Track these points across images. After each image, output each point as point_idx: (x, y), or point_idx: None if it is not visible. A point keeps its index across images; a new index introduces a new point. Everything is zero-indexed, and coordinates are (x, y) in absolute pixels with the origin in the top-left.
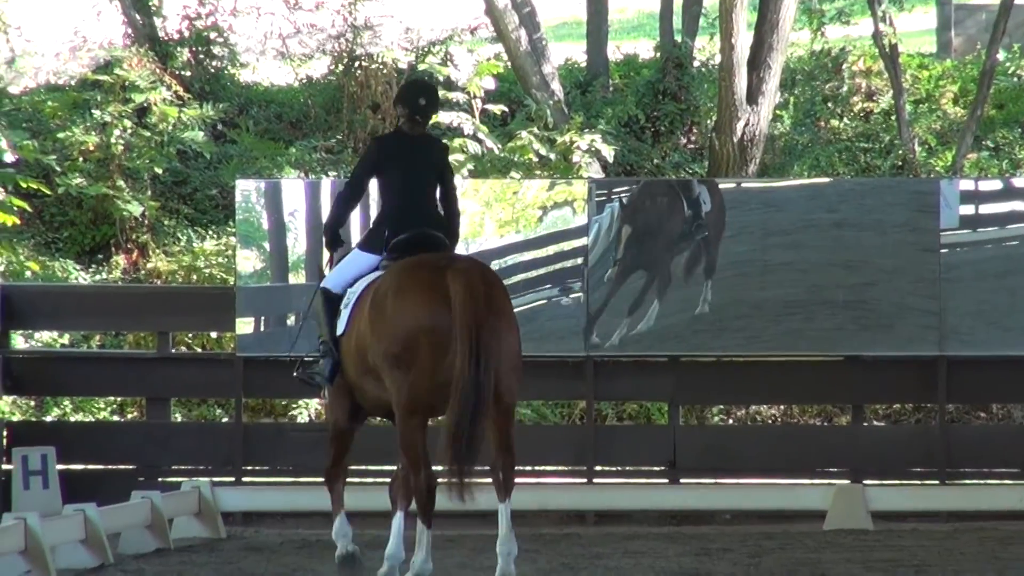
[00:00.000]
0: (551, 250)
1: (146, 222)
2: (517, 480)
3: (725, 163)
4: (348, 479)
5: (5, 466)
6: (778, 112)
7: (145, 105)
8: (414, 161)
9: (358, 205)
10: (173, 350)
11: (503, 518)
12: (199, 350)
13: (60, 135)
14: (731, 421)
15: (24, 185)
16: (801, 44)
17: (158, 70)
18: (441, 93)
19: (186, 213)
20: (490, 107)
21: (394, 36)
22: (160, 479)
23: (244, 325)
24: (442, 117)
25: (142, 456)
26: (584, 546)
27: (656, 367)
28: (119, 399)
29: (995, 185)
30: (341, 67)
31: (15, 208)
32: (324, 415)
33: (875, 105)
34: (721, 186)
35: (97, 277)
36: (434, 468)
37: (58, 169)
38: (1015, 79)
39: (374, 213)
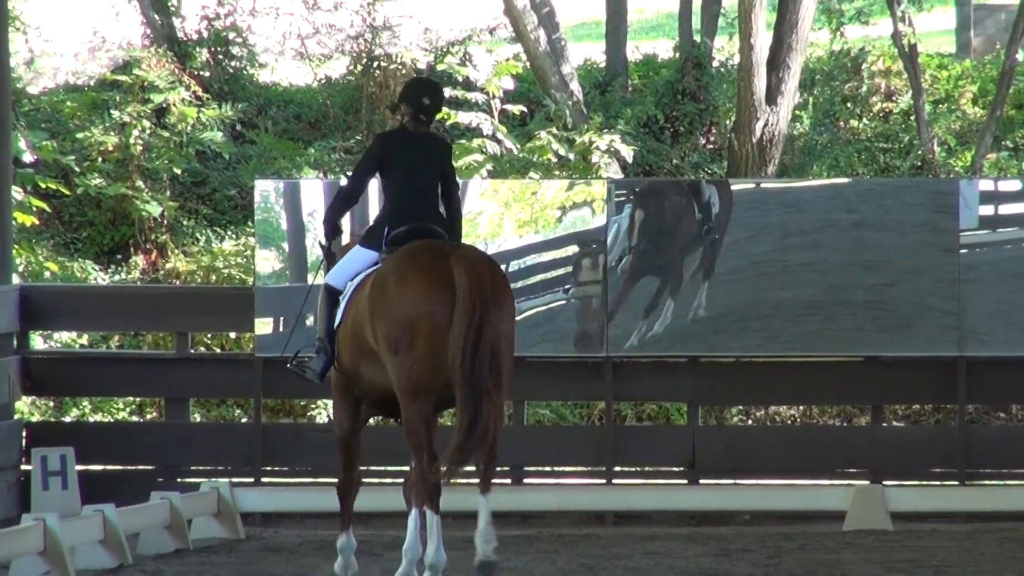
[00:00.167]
0: (570, 250)
1: (165, 222)
2: (537, 481)
3: (744, 163)
4: (365, 479)
5: (24, 467)
6: (797, 112)
7: (164, 105)
8: (417, 159)
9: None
10: (192, 351)
11: (483, 512)
12: (218, 350)
13: (79, 135)
14: (750, 422)
15: (43, 185)
16: (820, 44)
17: (177, 70)
18: (460, 93)
19: (205, 213)
20: (509, 107)
21: (413, 36)
22: (179, 480)
23: (263, 325)
24: (461, 117)
25: (161, 457)
26: (603, 546)
27: (675, 368)
28: (138, 400)
29: (1015, 185)
30: (360, 67)
31: (34, 208)
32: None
33: (894, 105)
34: (740, 186)
35: (116, 277)
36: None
37: (77, 169)
38: None
39: (374, 214)
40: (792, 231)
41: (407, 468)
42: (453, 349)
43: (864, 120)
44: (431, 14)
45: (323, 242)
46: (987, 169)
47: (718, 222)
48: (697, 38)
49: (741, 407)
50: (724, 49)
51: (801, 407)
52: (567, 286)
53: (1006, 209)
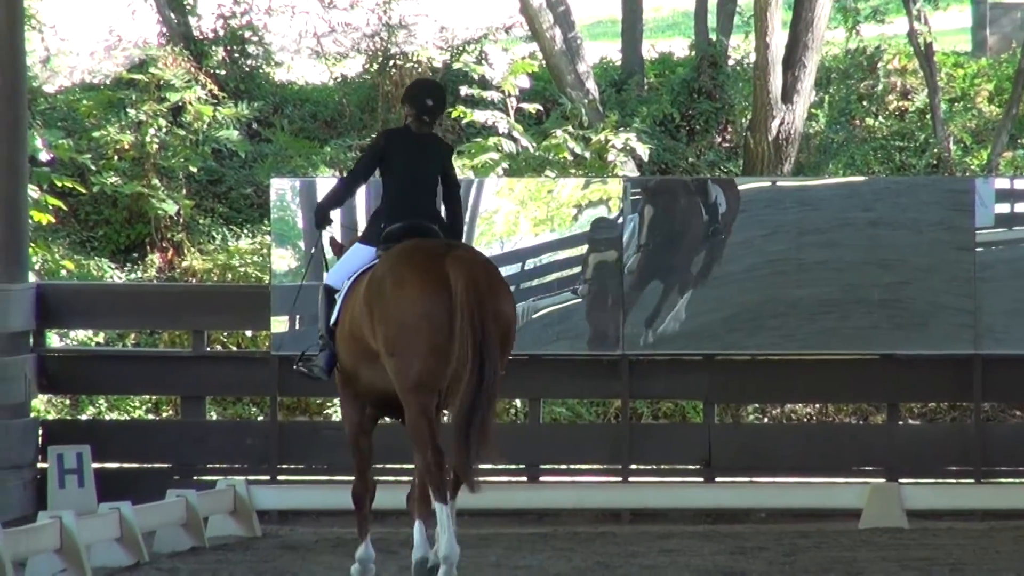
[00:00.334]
0: (586, 249)
1: (181, 221)
2: (553, 478)
3: (760, 162)
4: (381, 477)
5: (41, 464)
6: (813, 111)
7: (180, 104)
8: (418, 157)
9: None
10: (208, 349)
11: (445, 519)
12: (234, 349)
13: (95, 134)
14: (766, 420)
15: (59, 184)
16: (836, 43)
17: (193, 69)
18: (476, 92)
19: (221, 212)
20: (525, 106)
21: (429, 35)
22: (195, 477)
23: (279, 324)
24: (477, 116)
25: (177, 454)
26: (619, 544)
27: (691, 366)
28: (154, 398)
29: None
30: (376, 66)
31: (50, 207)
32: None
33: (910, 104)
34: (756, 185)
35: (132, 276)
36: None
37: (93, 168)
38: None
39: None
40: (808, 229)
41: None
42: (461, 353)
43: (880, 118)
44: (447, 12)
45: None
46: (1003, 167)
47: (732, 221)
48: (713, 36)
49: (757, 405)
50: (740, 47)
51: (817, 405)
52: (575, 286)
53: (1022, 207)
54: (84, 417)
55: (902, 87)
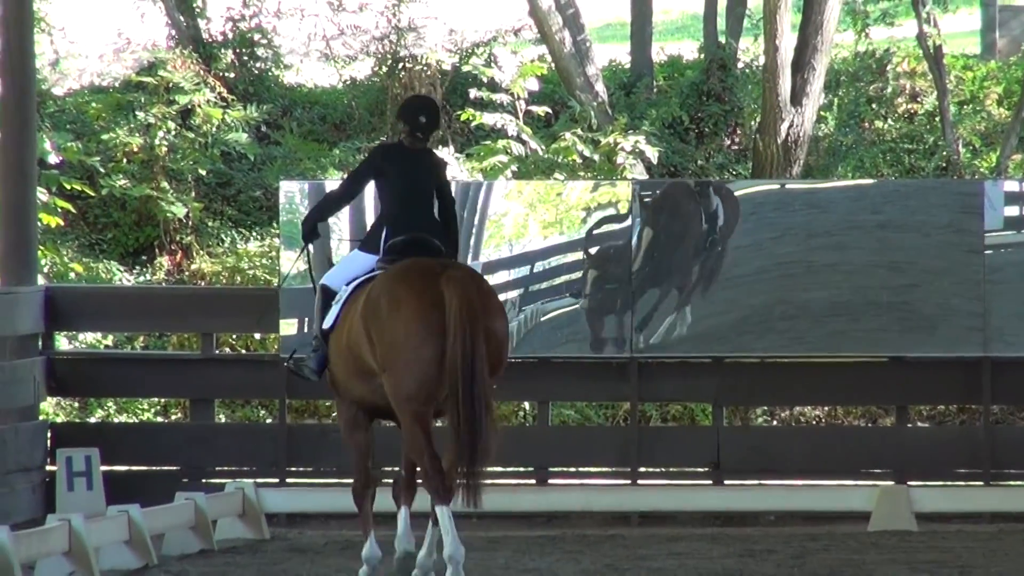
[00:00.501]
0: (594, 251)
1: (190, 223)
2: (561, 481)
3: (769, 164)
4: (389, 480)
5: (49, 467)
6: (822, 113)
7: (189, 107)
8: (414, 172)
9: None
10: (217, 351)
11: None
12: (243, 351)
13: (104, 137)
14: (775, 422)
15: (68, 187)
16: (845, 45)
17: (202, 72)
18: (485, 94)
19: (230, 214)
20: (534, 108)
21: (438, 38)
22: (204, 480)
23: (288, 326)
24: (486, 118)
25: (186, 457)
26: (628, 547)
27: (700, 368)
28: (163, 400)
29: None
30: (385, 69)
31: (59, 210)
32: None
33: (919, 106)
34: (765, 187)
35: (141, 278)
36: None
37: (102, 171)
38: None
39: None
40: (817, 232)
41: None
42: (451, 369)
43: (889, 121)
44: (456, 15)
45: (301, 242)
46: (1012, 170)
47: (730, 233)
48: (722, 39)
49: (766, 408)
50: (749, 50)
51: (826, 408)
52: (576, 288)
53: None
54: (93, 420)
55: (911, 90)
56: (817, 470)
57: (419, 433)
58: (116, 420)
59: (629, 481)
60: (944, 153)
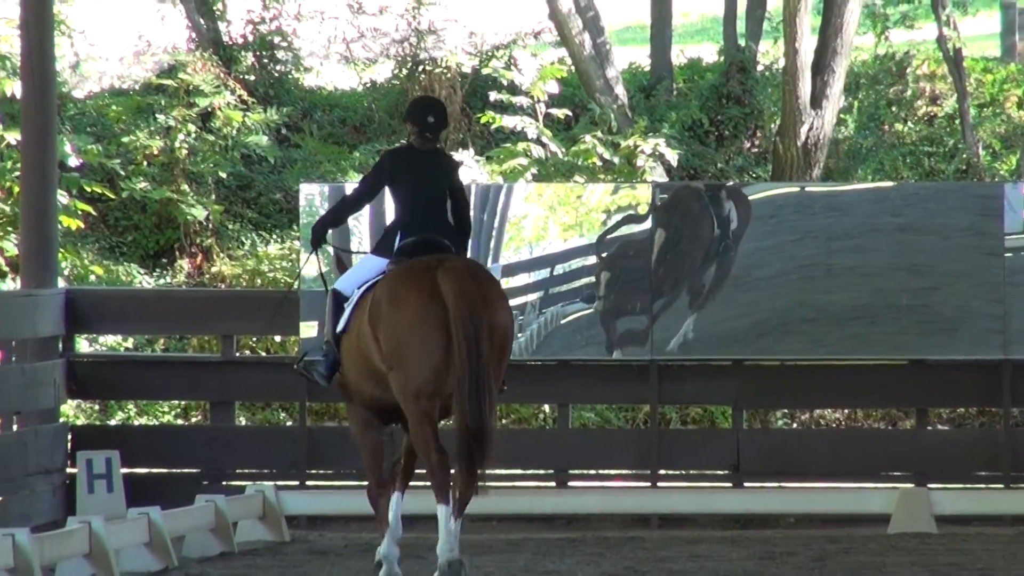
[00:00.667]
0: (615, 253)
1: (210, 226)
2: (581, 483)
3: (789, 167)
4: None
5: (70, 470)
6: (842, 116)
7: (209, 109)
8: (425, 174)
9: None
10: (237, 354)
11: (454, 529)
12: (263, 354)
13: (124, 139)
14: (795, 425)
15: (88, 189)
16: (865, 48)
17: (222, 74)
18: (505, 97)
19: (250, 217)
20: (554, 111)
21: (458, 40)
22: (224, 483)
23: (308, 329)
24: (506, 121)
25: (206, 460)
26: (648, 549)
27: (720, 371)
28: (183, 403)
29: None
30: (405, 71)
31: (79, 212)
32: None
33: (939, 109)
34: (785, 190)
35: (161, 281)
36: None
37: (122, 173)
38: None
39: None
40: (837, 235)
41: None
42: (459, 361)
43: (909, 124)
44: (476, 18)
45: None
46: None
47: (758, 226)
48: (742, 42)
49: (786, 410)
50: (769, 53)
51: (846, 410)
52: (587, 293)
53: None
54: (113, 422)
55: (931, 92)
56: (837, 473)
57: (426, 428)
58: (136, 423)
59: (649, 484)
60: (964, 156)
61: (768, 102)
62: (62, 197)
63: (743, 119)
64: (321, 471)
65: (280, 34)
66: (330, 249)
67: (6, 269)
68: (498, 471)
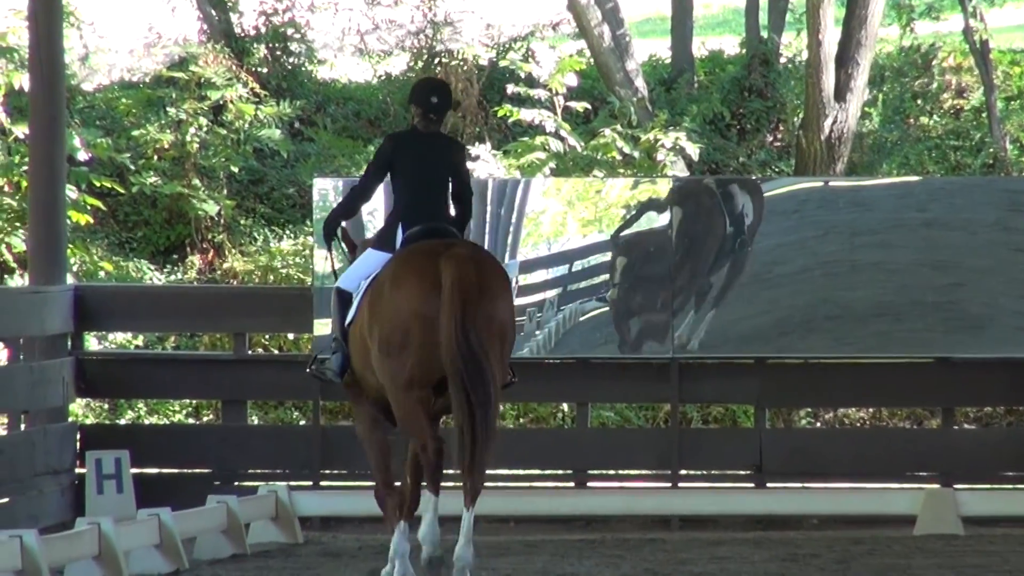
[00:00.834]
0: (635, 250)
1: (222, 221)
2: (601, 484)
3: (812, 161)
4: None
5: (79, 470)
6: (867, 109)
7: (221, 102)
8: (427, 158)
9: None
10: (249, 352)
11: (465, 527)
12: (276, 352)
13: (134, 133)
14: (818, 424)
15: (98, 184)
16: (890, 40)
17: (234, 67)
18: (523, 90)
19: (262, 212)
20: (572, 104)
21: (474, 32)
22: (236, 483)
23: (322, 326)
24: (524, 114)
25: (218, 460)
26: (668, 551)
27: (742, 369)
28: (194, 402)
29: None
30: (420, 64)
31: (89, 207)
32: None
33: (965, 102)
34: (808, 185)
35: (172, 277)
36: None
37: (132, 167)
38: None
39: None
40: (861, 230)
41: (459, 471)
42: (444, 348)
43: (935, 117)
44: (493, 9)
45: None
46: None
47: (755, 231)
48: (764, 34)
49: (809, 409)
50: (792, 45)
51: (870, 409)
52: (602, 293)
53: None
54: (123, 422)
55: (957, 85)
56: (861, 473)
57: (420, 415)
58: (147, 422)
59: (670, 484)
60: (991, 150)
61: (791, 95)
62: (71, 192)
63: (765, 112)
64: (335, 471)
65: (293, 25)
66: (344, 246)
67: (14, 265)
68: (515, 471)
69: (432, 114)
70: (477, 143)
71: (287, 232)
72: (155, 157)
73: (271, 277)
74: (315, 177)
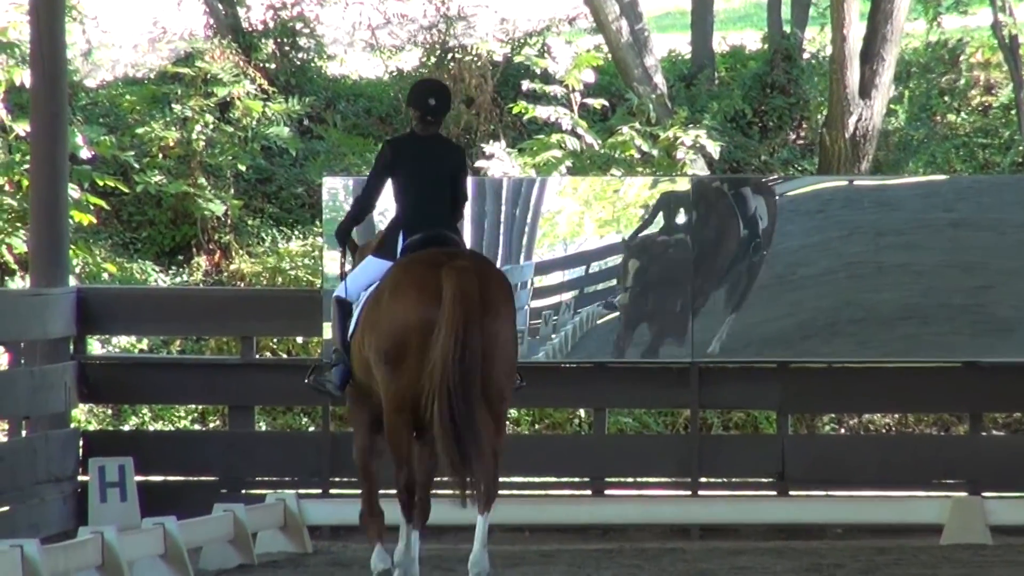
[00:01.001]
0: (654, 251)
1: (229, 222)
2: (618, 492)
3: (836, 160)
4: (438, 491)
5: (81, 477)
6: (892, 106)
7: (228, 99)
8: (426, 162)
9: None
10: (257, 356)
11: (479, 533)
12: (284, 356)
13: (138, 130)
14: (843, 430)
15: (101, 183)
16: (916, 35)
17: (241, 63)
18: (538, 86)
19: (271, 212)
20: (589, 101)
21: (489, 27)
22: (244, 491)
23: (331, 330)
24: (539, 112)
25: (225, 467)
26: (688, 561)
27: (764, 374)
28: (200, 407)
29: None
30: (433, 59)
31: (91, 207)
32: None
33: (994, 99)
34: (832, 184)
35: (177, 279)
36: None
37: (136, 166)
38: None
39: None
40: (887, 231)
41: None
42: (434, 360)
43: (962, 114)
44: (508, 3)
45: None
46: None
47: (771, 233)
48: (787, 29)
49: (833, 415)
50: (815, 40)
51: (896, 415)
52: (611, 298)
53: None
54: (127, 428)
55: (985, 81)
56: (887, 480)
57: (401, 440)
58: (151, 428)
59: (689, 492)
60: (1020, 148)
61: (814, 92)
62: (73, 191)
63: (788, 110)
64: (345, 479)
65: (302, 20)
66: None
67: (15, 267)
68: (531, 479)
69: (430, 116)
70: (491, 141)
71: (296, 233)
72: (160, 155)
73: (279, 279)
74: (325, 176)
